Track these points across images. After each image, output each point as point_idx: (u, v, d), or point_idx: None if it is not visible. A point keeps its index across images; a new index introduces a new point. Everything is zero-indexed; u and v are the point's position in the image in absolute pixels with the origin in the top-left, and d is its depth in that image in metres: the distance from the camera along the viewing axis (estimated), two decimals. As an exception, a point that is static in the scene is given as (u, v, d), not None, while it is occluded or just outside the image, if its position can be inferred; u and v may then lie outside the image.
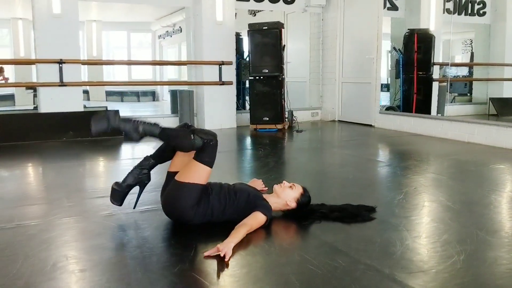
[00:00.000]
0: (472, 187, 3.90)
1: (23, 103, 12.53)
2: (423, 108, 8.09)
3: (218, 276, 2.16)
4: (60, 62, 6.40)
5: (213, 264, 2.25)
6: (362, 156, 5.50)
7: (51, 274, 2.16)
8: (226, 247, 2.28)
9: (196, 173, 2.63)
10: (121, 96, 16.64)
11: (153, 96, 17.64)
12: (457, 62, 10.14)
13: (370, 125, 7.72)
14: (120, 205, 2.90)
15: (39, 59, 6.39)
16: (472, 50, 10.40)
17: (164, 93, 17.05)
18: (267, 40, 7.29)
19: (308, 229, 2.79)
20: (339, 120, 8.50)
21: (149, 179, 2.96)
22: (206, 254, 2.29)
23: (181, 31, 15.70)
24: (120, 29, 17.18)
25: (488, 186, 3.90)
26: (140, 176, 2.92)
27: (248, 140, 6.76)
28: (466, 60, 10.52)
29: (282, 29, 7.33)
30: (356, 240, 2.58)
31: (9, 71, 13.75)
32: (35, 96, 11.04)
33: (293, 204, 2.81)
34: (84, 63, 7.11)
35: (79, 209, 3.24)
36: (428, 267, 2.23)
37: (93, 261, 2.34)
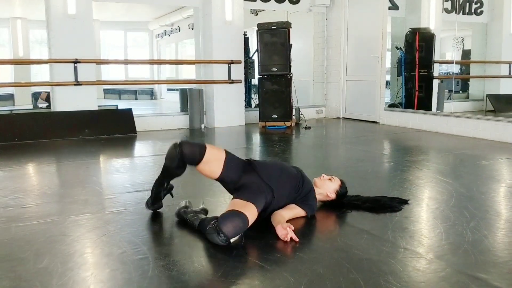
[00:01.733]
0: (484, 179, 4.12)
1: (22, 102, 12.60)
2: (425, 105, 8.34)
3: (276, 260, 2.33)
4: (76, 61, 6.52)
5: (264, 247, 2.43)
6: (375, 152, 5.71)
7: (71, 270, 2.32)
8: (281, 231, 2.51)
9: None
10: (119, 94, 16.70)
11: (151, 94, 17.72)
12: (461, 61, 10.36)
13: (375, 122, 7.93)
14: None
15: (54, 59, 6.50)
16: (463, 48, 10.65)
17: (163, 91, 17.16)
18: (276, 39, 7.47)
19: (343, 218, 2.97)
20: (343, 117, 8.71)
21: (172, 187, 3.06)
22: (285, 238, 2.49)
23: (179, 30, 15.83)
24: (117, 29, 17.25)
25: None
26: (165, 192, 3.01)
27: (260, 137, 6.93)
28: (458, 57, 10.79)
29: (290, 29, 7.51)
30: (391, 228, 2.77)
31: (8, 71, 13.80)
32: (33, 97, 11.13)
33: (333, 196, 3.00)
34: (98, 62, 7.16)
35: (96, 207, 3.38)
36: (458, 249, 2.43)
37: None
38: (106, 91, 16.12)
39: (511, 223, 2.93)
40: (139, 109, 12.57)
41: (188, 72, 15.63)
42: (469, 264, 2.24)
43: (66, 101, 6.59)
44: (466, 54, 10.51)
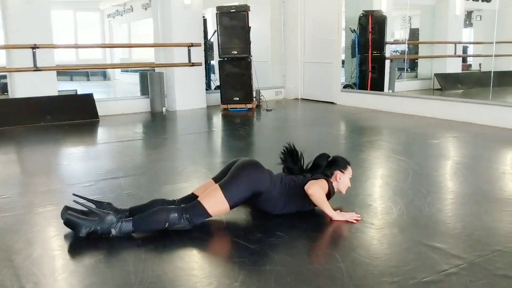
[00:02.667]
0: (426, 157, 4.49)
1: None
2: (378, 85, 8.73)
3: (258, 239, 2.54)
4: (34, 47, 6.41)
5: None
6: (334, 133, 6.03)
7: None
8: (339, 217, 2.72)
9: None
10: (71, 75, 16.26)
11: (104, 75, 17.38)
12: (412, 41, 10.79)
13: (332, 103, 8.25)
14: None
15: (12, 44, 6.36)
16: (410, 26, 11.12)
17: (116, 72, 16.85)
18: (235, 22, 7.58)
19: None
20: (302, 98, 8.98)
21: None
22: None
23: (132, 10, 15.55)
24: (66, 8, 16.69)
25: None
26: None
27: (223, 120, 7.09)
28: (406, 35, 11.23)
29: (249, 12, 7.64)
30: (357, 205, 3.03)
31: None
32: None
33: (343, 192, 2.96)
34: (58, 47, 7.04)
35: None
36: (418, 222, 2.74)
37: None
38: (57, 73, 15.64)
39: (462, 197, 3.28)
40: (94, 92, 12.40)
41: (141, 52, 15.44)
42: (429, 235, 2.55)
43: (26, 87, 6.48)
44: (413, 32, 10.97)
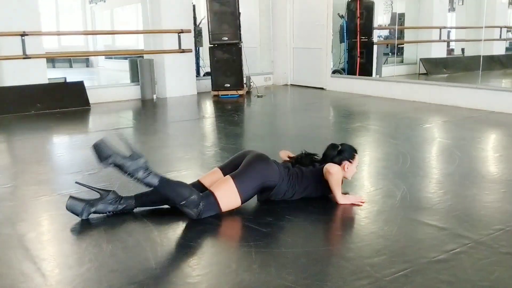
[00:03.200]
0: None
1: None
2: (366, 70, 8.83)
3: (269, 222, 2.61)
4: (23, 34, 6.31)
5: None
6: (326, 118, 6.10)
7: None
8: (345, 201, 2.79)
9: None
10: (52, 62, 15.99)
11: (87, 62, 17.14)
12: (401, 27, 10.86)
13: (322, 88, 8.32)
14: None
15: (1, 32, 6.25)
16: (392, 10, 11.20)
17: (100, 59, 16.63)
18: (225, 8, 7.57)
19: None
20: (291, 84, 9.03)
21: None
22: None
23: (115, -4, 15.31)
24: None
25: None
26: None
27: (215, 107, 7.10)
28: (388, 19, 11.30)
29: (239, -2, 7.63)
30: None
31: None
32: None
33: (349, 178, 3.03)
34: (47, 34, 6.96)
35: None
36: (428, 203, 2.83)
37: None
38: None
39: (460, 179, 3.36)
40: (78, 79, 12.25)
41: (125, 39, 15.27)
42: (433, 216, 2.64)
43: (15, 75, 6.40)
44: (393, 17, 11.05)
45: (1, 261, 2.22)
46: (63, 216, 2.67)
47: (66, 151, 4.64)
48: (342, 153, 2.94)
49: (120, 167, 2.43)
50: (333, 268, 2.11)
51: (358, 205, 2.79)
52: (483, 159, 3.95)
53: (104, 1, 16.03)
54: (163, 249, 2.31)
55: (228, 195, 2.61)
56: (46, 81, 6.72)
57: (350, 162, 2.94)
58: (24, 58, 6.38)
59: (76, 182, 2.72)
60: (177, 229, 2.55)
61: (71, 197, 2.61)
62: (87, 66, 16.97)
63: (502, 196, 3.01)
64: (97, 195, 2.67)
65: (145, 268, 2.12)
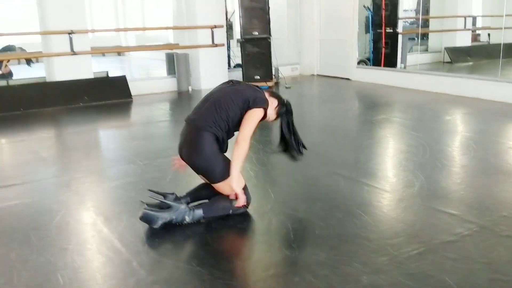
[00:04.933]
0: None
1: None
2: (391, 61, 9.13)
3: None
4: (71, 32, 6.86)
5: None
6: (353, 109, 6.50)
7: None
8: (235, 187, 2.79)
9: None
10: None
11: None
12: (427, 16, 11.05)
13: (348, 79, 8.68)
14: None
15: (51, 30, 6.81)
16: None
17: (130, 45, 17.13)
18: (256, 4, 7.98)
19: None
20: (317, 74, 9.40)
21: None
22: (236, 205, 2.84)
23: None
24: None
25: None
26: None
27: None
28: (414, 4, 11.45)
29: (269, -7, 8.02)
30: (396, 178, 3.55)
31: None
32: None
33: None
34: (92, 31, 7.49)
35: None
36: (447, 192, 3.25)
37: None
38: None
39: (474, 170, 3.76)
40: (111, 68, 12.79)
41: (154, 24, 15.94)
42: (446, 204, 3.06)
43: (63, 70, 6.96)
44: (419, 0, 11.22)
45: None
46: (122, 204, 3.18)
47: (118, 141, 5.17)
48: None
49: (169, 222, 2.76)
50: (359, 247, 2.56)
51: (238, 203, 2.84)
52: (498, 152, 4.31)
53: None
54: (219, 241, 2.80)
55: (228, 188, 2.84)
56: (92, 76, 7.26)
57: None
58: (72, 54, 6.93)
59: (149, 190, 3.02)
60: (220, 226, 3.02)
61: (144, 208, 2.83)
62: (119, 54, 17.55)
63: (511, 186, 3.40)
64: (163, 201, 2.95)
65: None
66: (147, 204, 2.93)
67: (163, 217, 2.75)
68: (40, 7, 6.94)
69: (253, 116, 2.84)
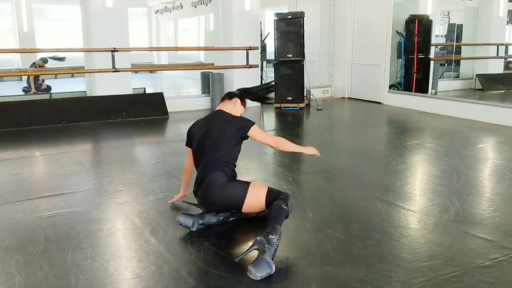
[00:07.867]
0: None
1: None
2: (422, 86, 9.20)
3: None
4: (114, 50, 7.17)
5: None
6: (385, 134, 6.57)
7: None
8: (310, 151, 3.23)
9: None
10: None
11: (150, 69, 18.15)
12: (460, 43, 11.10)
13: (379, 103, 8.77)
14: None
15: (95, 48, 7.14)
16: (449, 21, 11.41)
17: (162, 63, 17.60)
18: (291, 28, 8.20)
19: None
20: (348, 97, 9.53)
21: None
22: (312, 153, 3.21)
23: (181, 7, 16.28)
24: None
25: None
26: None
27: (277, 118, 7.72)
28: (444, 30, 11.48)
29: (304, 18, 8.21)
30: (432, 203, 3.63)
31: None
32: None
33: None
34: (134, 50, 7.80)
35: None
36: (480, 218, 3.31)
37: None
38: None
39: (510, 198, 3.80)
40: (147, 85, 13.11)
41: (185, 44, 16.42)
42: (482, 230, 3.12)
43: (105, 86, 7.26)
44: (451, 27, 11.26)
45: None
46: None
47: (158, 156, 5.37)
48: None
49: (205, 224, 3.09)
50: (397, 267, 2.64)
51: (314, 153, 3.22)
52: (532, 180, 4.34)
53: (170, 12, 17.05)
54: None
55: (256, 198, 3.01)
56: (131, 92, 7.54)
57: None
58: (113, 71, 7.23)
59: (184, 201, 3.32)
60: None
61: (182, 213, 3.11)
62: (150, 72, 18.02)
63: (546, 215, 3.44)
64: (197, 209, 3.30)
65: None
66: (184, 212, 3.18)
67: (200, 220, 3.05)
68: (85, 25, 7.28)
69: (256, 131, 3.21)
